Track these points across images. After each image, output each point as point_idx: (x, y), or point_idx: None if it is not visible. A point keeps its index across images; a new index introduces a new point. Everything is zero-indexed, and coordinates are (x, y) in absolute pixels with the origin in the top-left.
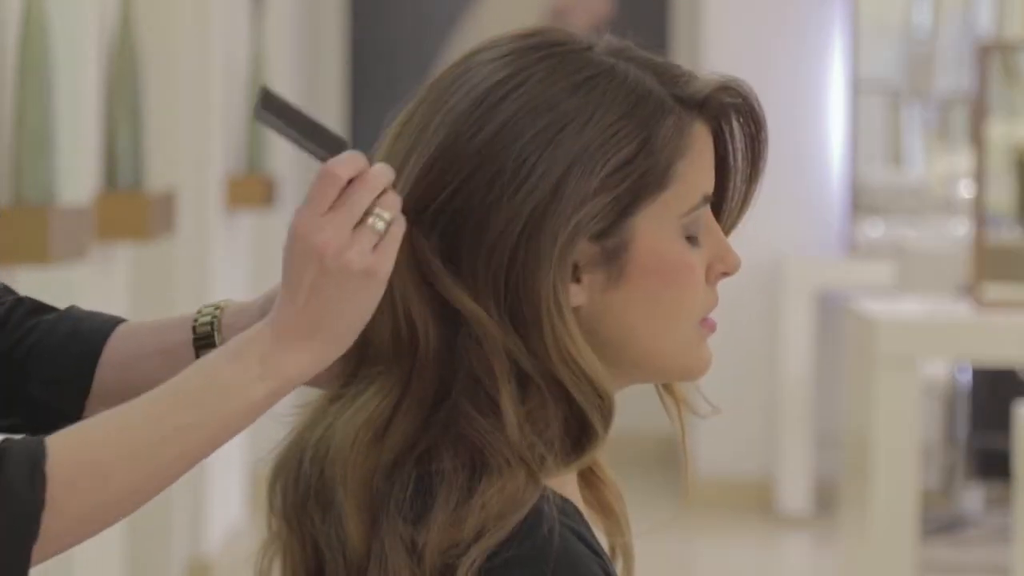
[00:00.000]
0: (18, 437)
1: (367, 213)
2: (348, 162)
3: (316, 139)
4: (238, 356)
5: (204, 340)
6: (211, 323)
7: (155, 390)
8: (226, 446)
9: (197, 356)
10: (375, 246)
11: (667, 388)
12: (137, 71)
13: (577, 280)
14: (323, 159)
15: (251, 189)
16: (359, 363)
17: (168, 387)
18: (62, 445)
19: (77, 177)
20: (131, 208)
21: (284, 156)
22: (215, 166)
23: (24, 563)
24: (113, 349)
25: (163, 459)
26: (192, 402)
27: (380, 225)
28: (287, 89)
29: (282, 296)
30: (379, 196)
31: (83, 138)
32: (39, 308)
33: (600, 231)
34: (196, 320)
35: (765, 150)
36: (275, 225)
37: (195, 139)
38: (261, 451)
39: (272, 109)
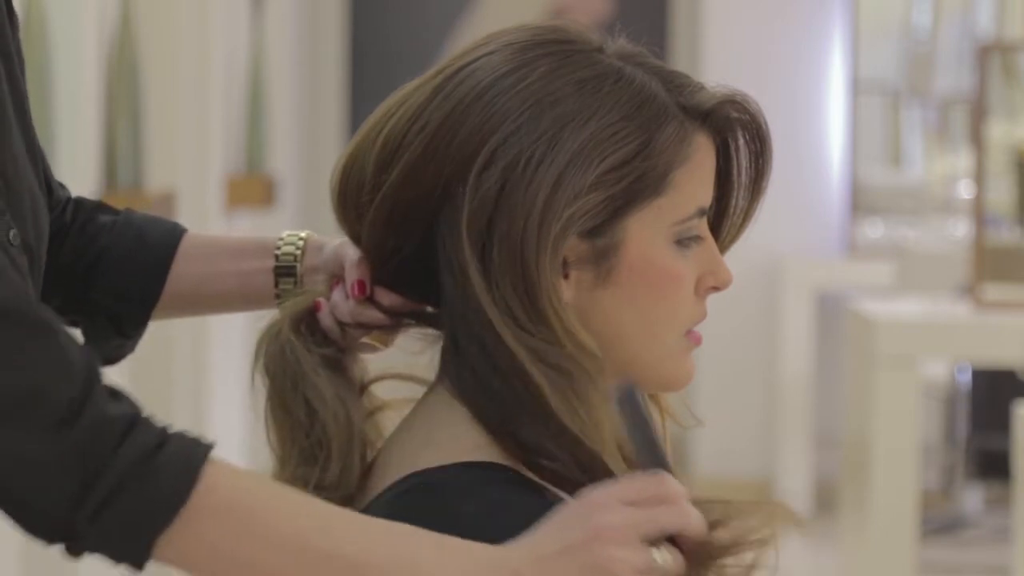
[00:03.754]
0: (183, 432)
1: (656, 542)
2: (676, 483)
3: (648, 452)
4: (445, 548)
5: (286, 269)
6: (295, 253)
7: (348, 513)
8: (226, 446)
9: (276, 284)
10: (639, 571)
11: (652, 398)
12: (137, 71)
13: (565, 276)
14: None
15: (251, 189)
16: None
17: (360, 517)
18: (228, 473)
19: (77, 177)
20: (131, 208)
21: (284, 156)
22: (215, 166)
23: (144, 551)
24: (184, 263)
25: (284, 562)
26: (360, 541)
27: (659, 561)
28: (287, 89)
29: (538, 537)
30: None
31: (83, 138)
32: (96, 208)
33: (591, 229)
34: (279, 248)
35: (769, 169)
36: (275, 225)
37: (195, 139)
38: (262, 452)
39: (627, 407)
